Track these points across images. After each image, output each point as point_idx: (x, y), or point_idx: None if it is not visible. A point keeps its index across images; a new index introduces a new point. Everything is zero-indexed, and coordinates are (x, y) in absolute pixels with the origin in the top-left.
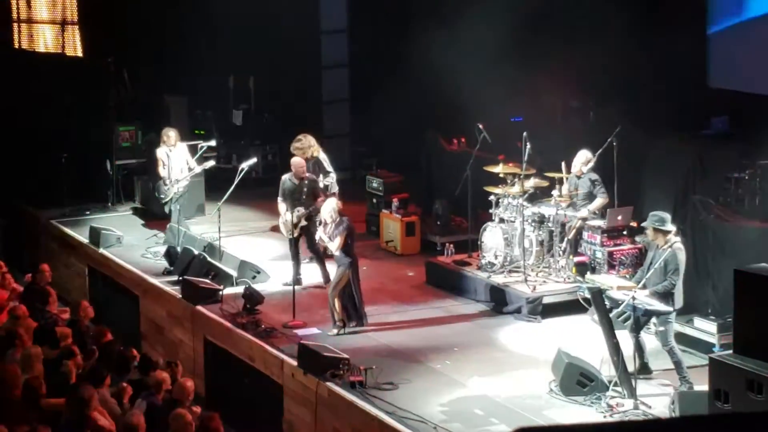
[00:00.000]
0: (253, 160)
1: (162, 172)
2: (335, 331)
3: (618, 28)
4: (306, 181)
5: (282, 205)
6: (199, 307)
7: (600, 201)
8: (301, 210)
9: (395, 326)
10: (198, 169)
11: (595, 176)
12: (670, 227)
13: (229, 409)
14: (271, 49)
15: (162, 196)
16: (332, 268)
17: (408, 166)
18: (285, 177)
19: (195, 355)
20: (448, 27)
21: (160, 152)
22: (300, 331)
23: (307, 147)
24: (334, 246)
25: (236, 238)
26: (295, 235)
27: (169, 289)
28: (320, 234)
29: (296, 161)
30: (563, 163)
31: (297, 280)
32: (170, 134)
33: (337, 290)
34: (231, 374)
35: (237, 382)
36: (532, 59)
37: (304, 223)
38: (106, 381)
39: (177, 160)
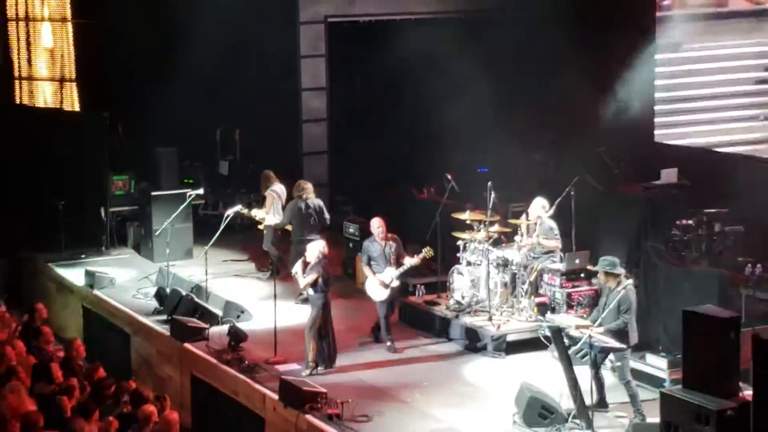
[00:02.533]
0: (238, 207)
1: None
2: (307, 371)
3: (572, 84)
4: (391, 242)
5: (367, 269)
6: (187, 345)
7: (552, 243)
8: (391, 271)
9: (370, 362)
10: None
11: (551, 223)
12: (620, 270)
13: None
14: (256, 102)
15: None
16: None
17: (382, 213)
18: (367, 242)
19: (183, 390)
20: (422, 83)
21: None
22: (281, 367)
23: (301, 190)
24: (303, 282)
25: (222, 280)
26: (386, 296)
27: (158, 327)
28: (296, 268)
29: (374, 223)
30: (524, 215)
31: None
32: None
33: (313, 331)
34: (216, 407)
35: (222, 414)
36: (501, 113)
37: (396, 283)
38: (94, 415)
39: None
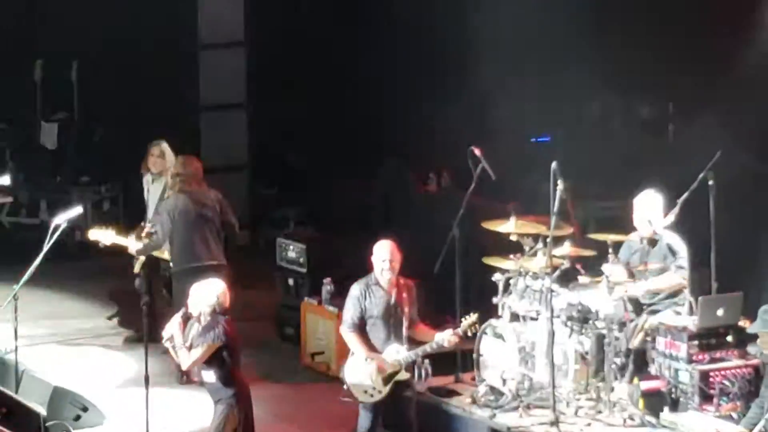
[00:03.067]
0: (77, 211)
1: None
2: None
3: None
4: (404, 294)
5: (354, 340)
6: None
7: (669, 279)
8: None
9: None
10: None
11: (676, 239)
12: None
13: None
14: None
15: None
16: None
17: (350, 219)
18: (360, 286)
19: None
20: None
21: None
22: None
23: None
24: (187, 360)
25: (47, 348)
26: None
27: None
28: (170, 331)
29: (381, 251)
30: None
31: None
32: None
33: None
34: None
35: None
36: (567, 44)
37: (404, 375)
38: None
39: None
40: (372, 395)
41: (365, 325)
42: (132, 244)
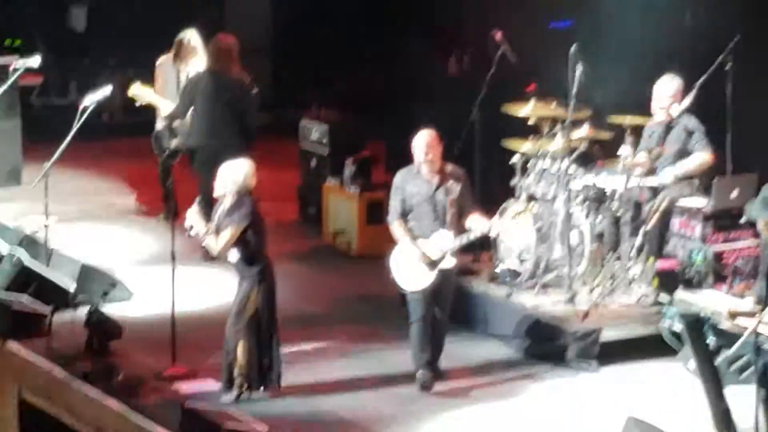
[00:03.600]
0: (105, 93)
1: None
2: (232, 395)
3: None
4: (452, 181)
5: (399, 227)
6: (11, 344)
7: (698, 159)
8: None
9: (348, 382)
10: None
11: (693, 122)
12: None
13: None
14: None
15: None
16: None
17: (372, 101)
18: (404, 175)
19: (2, 426)
20: None
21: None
22: (184, 386)
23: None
24: (216, 245)
25: (76, 226)
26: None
27: None
28: (193, 216)
29: (421, 141)
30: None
31: None
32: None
33: (241, 325)
34: None
35: None
36: None
37: (451, 261)
38: None
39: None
40: (418, 283)
41: (408, 213)
42: (165, 105)
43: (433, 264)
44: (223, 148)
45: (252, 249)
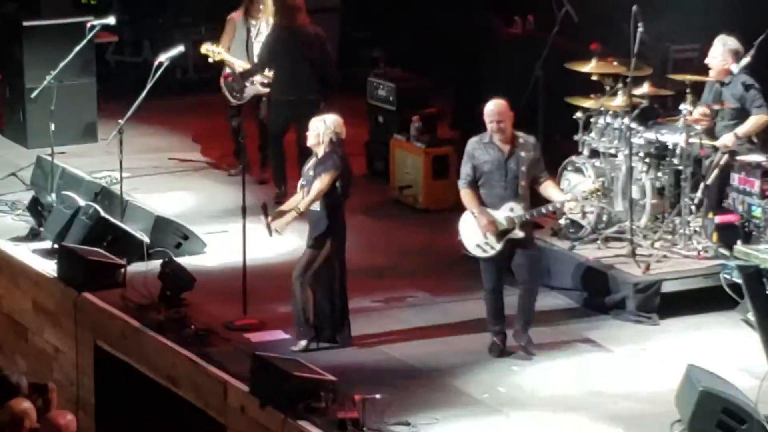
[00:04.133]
0: (179, 50)
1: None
2: (301, 345)
3: None
4: (524, 149)
5: (469, 196)
6: (87, 295)
7: (756, 120)
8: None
9: (413, 331)
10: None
11: (750, 80)
12: None
13: None
14: None
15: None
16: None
17: (437, 60)
18: (474, 144)
19: (80, 374)
20: None
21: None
22: (255, 336)
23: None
24: (309, 197)
25: (150, 180)
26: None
27: (36, 264)
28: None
29: (493, 108)
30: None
31: None
32: None
33: (307, 276)
34: (138, 405)
35: (148, 416)
36: None
37: (519, 233)
38: None
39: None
40: (485, 251)
41: (478, 181)
42: (238, 62)
43: (501, 234)
44: (304, 102)
45: (336, 199)
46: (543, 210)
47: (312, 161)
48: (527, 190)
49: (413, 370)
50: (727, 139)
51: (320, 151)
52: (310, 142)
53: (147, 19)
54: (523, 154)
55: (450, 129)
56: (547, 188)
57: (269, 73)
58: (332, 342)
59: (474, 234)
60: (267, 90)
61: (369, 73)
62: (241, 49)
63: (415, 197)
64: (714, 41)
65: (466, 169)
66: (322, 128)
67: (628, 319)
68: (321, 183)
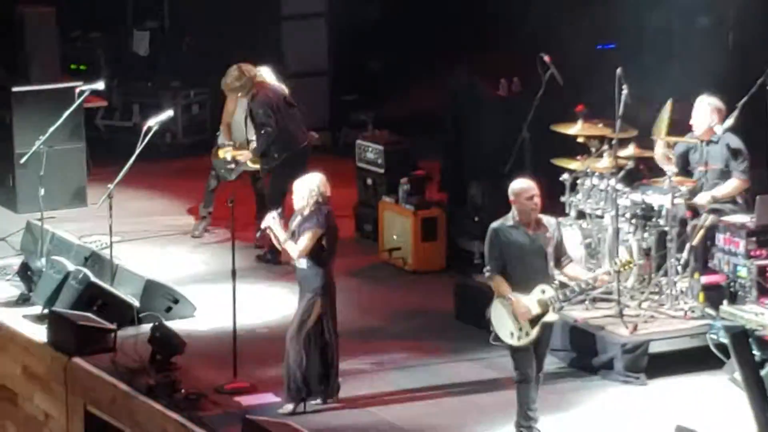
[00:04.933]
0: (168, 114)
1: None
2: (288, 408)
3: None
4: (546, 230)
5: (500, 283)
6: (77, 360)
7: (737, 185)
8: None
9: (402, 393)
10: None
11: (736, 142)
12: None
13: None
14: None
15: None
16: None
17: (426, 123)
18: (500, 226)
19: None
20: None
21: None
22: (246, 399)
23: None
24: (295, 250)
25: (140, 245)
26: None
27: (26, 329)
28: (269, 224)
29: (520, 186)
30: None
31: None
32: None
33: (301, 336)
34: None
35: None
36: None
37: (553, 316)
38: None
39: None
40: (519, 338)
41: (506, 266)
42: (245, 153)
43: (535, 320)
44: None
45: (323, 257)
46: (576, 289)
47: (298, 219)
48: (553, 271)
49: None
50: (703, 199)
51: (306, 211)
52: (297, 203)
53: (136, 83)
54: (548, 234)
55: (438, 191)
56: (573, 269)
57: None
58: (323, 403)
59: (507, 322)
60: (256, 166)
61: (357, 136)
62: (240, 124)
63: (404, 259)
64: (696, 101)
65: (493, 256)
66: (308, 189)
67: (616, 379)
68: (307, 239)
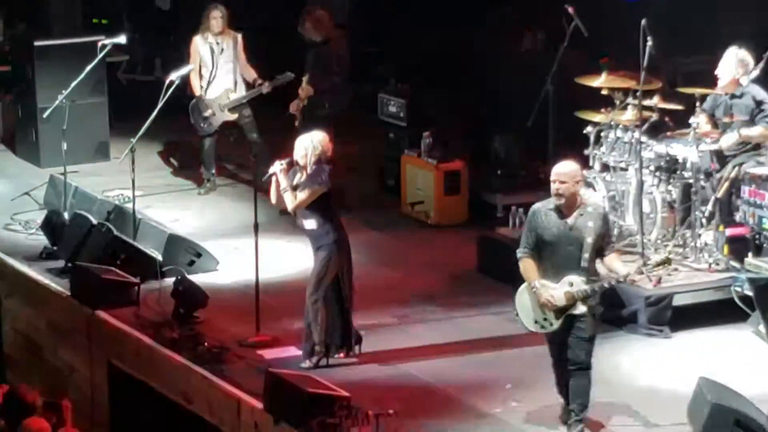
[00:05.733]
0: (190, 68)
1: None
2: (310, 362)
3: None
4: (582, 213)
5: (528, 267)
6: (101, 313)
7: (759, 130)
8: None
9: (425, 347)
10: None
11: (761, 94)
12: None
13: None
14: None
15: (201, 123)
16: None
17: (448, 76)
18: (539, 210)
19: (94, 391)
20: None
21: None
22: (267, 353)
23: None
24: (292, 202)
25: (162, 198)
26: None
27: (50, 282)
28: (276, 170)
29: (564, 169)
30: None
31: None
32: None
33: (319, 294)
34: (152, 422)
35: None
36: None
37: (581, 308)
38: None
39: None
40: (543, 327)
41: (539, 250)
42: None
43: (560, 311)
44: None
45: (328, 216)
46: (605, 284)
47: (298, 175)
48: (592, 262)
49: (426, 386)
50: (729, 140)
51: (308, 168)
52: (299, 160)
53: (158, 37)
54: (590, 224)
55: (461, 144)
56: (612, 262)
57: (232, 96)
58: (344, 358)
59: (531, 309)
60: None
61: (379, 89)
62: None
63: (427, 213)
64: (725, 53)
65: (526, 238)
66: (310, 147)
67: (640, 332)
68: (304, 195)
